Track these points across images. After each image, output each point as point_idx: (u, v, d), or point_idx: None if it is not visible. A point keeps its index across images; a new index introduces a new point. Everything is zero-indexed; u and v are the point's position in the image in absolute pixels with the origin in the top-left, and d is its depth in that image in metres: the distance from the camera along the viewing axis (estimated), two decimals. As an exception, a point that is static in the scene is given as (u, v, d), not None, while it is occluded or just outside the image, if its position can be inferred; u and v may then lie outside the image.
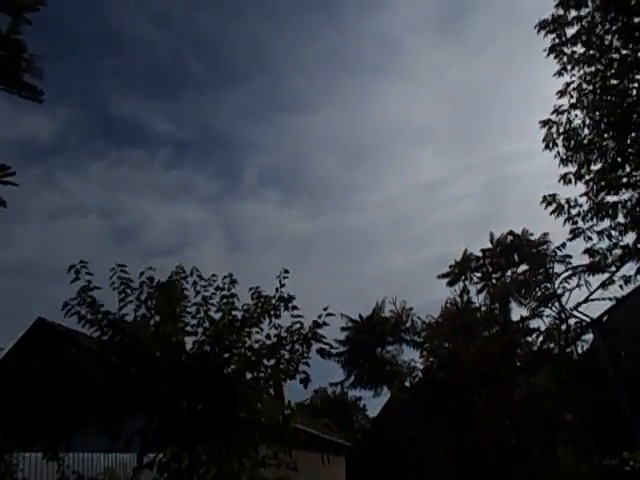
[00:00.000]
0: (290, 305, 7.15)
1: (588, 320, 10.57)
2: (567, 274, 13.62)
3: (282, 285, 7.25)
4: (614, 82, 10.43)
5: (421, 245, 61.40)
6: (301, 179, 63.59)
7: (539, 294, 14.28)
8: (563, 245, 14.50)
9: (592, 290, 11.87)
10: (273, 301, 7.17)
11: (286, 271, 7.28)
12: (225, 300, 7.24)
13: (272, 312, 7.15)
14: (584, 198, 11.21)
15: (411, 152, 59.65)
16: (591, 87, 10.80)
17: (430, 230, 59.56)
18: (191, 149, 57.22)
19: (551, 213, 11.47)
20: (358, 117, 56.87)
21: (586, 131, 11.02)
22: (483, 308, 18.03)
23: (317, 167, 62.19)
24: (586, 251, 11.57)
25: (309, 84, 53.83)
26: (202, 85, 50.62)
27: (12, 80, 3.24)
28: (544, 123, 11.36)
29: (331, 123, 52.95)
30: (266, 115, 53.83)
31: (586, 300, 11.66)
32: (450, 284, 19.23)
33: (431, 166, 59.32)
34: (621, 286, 10.97)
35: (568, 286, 13.53)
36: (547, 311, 14.36)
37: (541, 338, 15.32)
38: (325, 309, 7.21)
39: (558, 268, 14.24)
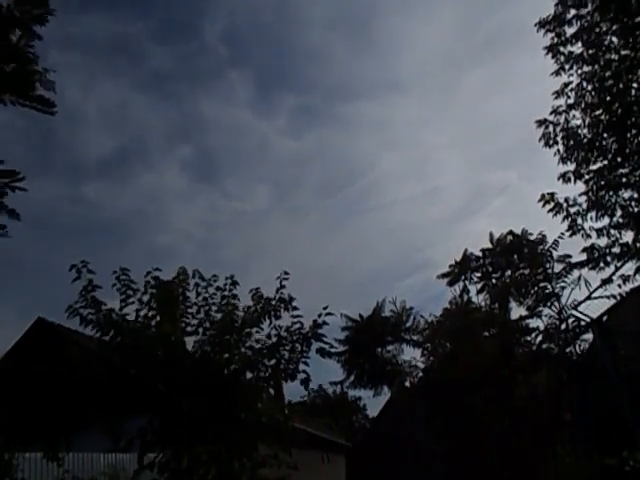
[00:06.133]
0: (290, 306, 7.22)
1: (588, 320, 10.55)
2: (565, 271, 13.62)
3: (282, 287, 7.34)
4: (613, 82, 10.43)
5: (431, 190, 49.39)
6: (283, 61, 47.91)
7: (538, 293, 14.26)
8: (556, 242, 14.48)
9: (592, 290, 11.88)
10: (273, 302, 7.24)
11: (286, 273, 7.44)
12: (226, 301, 7.29)
13: (272, 313, 7.20)
14: (583, 197, 11.23)
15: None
16: (591, 86, 10.80)
17: (445, 162, 48.17)
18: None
19: (549, 211, 11.47)
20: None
21: (585, 130, 11.02)
22: (483, 308, 18.04)
23: (304, 40, 45.47)
24: (584, 250, 11.56)
25: None
26: None
27: (25, 93, 3.16)
28: (540, 123, 11.34)
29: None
30: None
31: (586, 299, 11.63)
32: (450, 284, 19.29)
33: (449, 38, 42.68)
34: (619, 285, 10.97)
35: (564, 284, 13.55)
36: (546, 311, 14.35)
37: (540, 337, 15.32)
38: (325, 308, 7.28)
39: (558, 268, 14.25)
